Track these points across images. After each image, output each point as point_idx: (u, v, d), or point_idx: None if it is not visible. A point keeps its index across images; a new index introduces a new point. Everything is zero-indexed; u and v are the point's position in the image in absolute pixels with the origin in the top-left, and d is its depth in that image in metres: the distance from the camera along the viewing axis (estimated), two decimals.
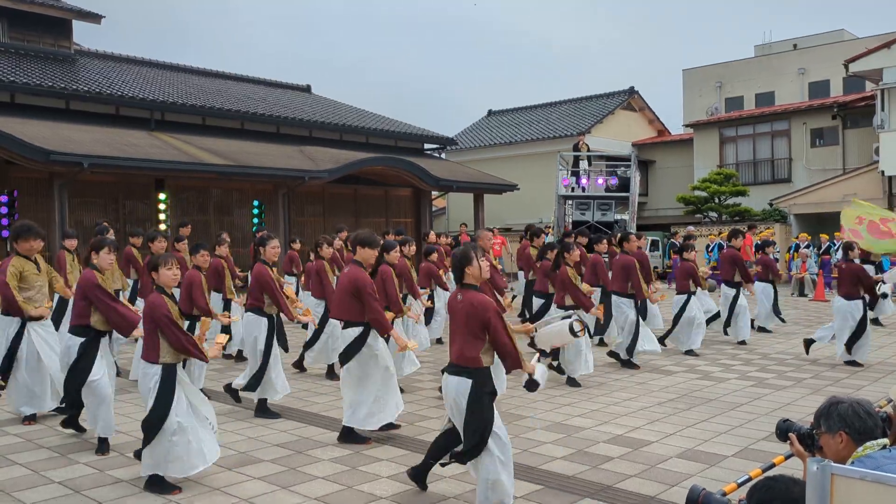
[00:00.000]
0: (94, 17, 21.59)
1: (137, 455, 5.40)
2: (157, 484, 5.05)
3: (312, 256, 9.98)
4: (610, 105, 32.39)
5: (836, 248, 19.58)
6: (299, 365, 9.41)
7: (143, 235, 10.69)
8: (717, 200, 26.43)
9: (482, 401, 4.52)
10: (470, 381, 4.51)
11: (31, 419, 6.84)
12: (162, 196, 17.77)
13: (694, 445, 6.11)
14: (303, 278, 11.47)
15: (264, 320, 7.17)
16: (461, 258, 4.70)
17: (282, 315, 7.41)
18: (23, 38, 20.59)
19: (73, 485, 5.21)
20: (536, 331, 5.11)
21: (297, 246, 13.22)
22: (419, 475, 5.03)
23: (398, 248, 7.78)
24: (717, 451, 5.96)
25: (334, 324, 7.96)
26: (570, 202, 19.36)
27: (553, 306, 9.26)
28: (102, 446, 5.93)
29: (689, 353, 10.58)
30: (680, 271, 10.90)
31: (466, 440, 4.55)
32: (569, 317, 5.46)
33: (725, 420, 6.93)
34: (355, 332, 6.15)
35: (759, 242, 13.63)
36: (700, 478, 5.28)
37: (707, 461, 5.69)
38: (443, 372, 4.88)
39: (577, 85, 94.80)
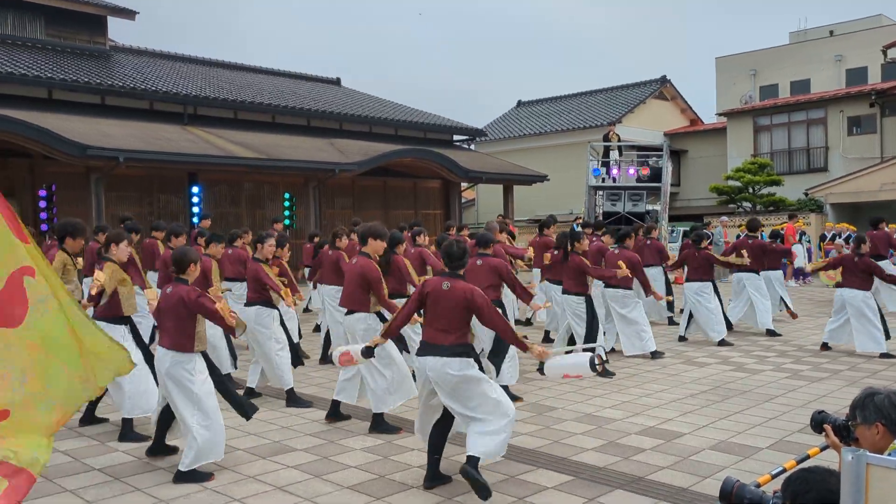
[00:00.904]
0: (129, 14, 21.91)
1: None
2: (189, 476, 5.09)
3: (327, 247, 10.06)
4: (641, 94, 32.07)
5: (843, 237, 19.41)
6: (326, 359, 9.52)
7: (165, 229, 10.95)
8: (751, 190, 26.07)
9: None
10: (471, 359, 4.94)
11: None
12: (195, 189, 18.00)
13: (727, 437, 6.06)
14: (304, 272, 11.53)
15: (275, 312, 7.48)
16: (465, 250, 5.13)
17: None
18: (59, 35, 20.97)
19: (112, 472, 5.33)
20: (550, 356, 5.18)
21: (318, 240, 13.37)
22: (434, 475, 5.02)
23: (405, 239, 8.25)
24: (751, 443, 5.90)
25: None
26: (600, 193, 19.22)
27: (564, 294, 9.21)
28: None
29: (723, 342, 10.63)
30: (700, 260, 10.88)
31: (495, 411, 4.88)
32: (592, 350, 5.32)
33: (759, 412, 6.86)
34: (365, 320, 6.36)
35: (771, 232, 13.55)
36: (734, 469, 5.24)
37: (741, 453, 5.64)
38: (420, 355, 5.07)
39: (607, 74, 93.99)
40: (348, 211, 22.34)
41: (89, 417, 6.57)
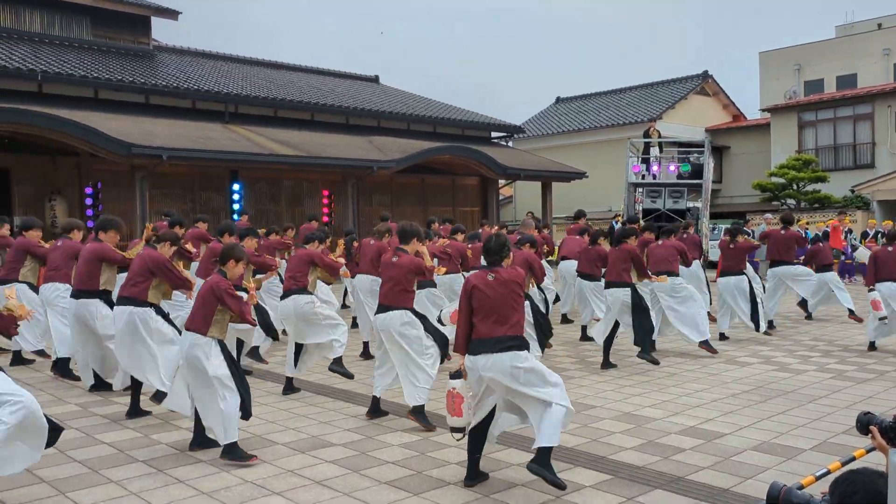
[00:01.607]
0: (172, 14, 22.27)
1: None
2: (232, 451, 5.38)
3: (372, 240, 10.11)
4: (682, 90, 31.65)
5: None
6: (367, 354, 9.59)
7: (206, 222, 11.36)
8: (795, 187, 25.58)
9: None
10: (524, 352, 4.82)
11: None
12: (236, 186, 18.25)
13: (770, 438, 5.95)
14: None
15: (312, 297, 7.76)
16: (503, 244, 5.10)
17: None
18: (105, 36, 21.41)
19: (156, 464, 5.44)
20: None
21: (350, 237, 13.47)
22: (474, 473, 5.00)
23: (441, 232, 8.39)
24: (794, 444, 5.79)
25: None
26: (640, 190, 19.00)
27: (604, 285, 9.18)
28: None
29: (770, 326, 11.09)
30: (735, 252, 10.79)
31: (554, 395, 4.73)
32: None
33: (803, 413, 6.73)
34: (402, 317, 6.43)
35: (818, 233, 13.34)
36: (776, 471, 5.15)
37: (784, 454, 5.54)
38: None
39: (648, 70, 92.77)
40: (386, 208, 22.43)
41: (134, 410, 6.71)
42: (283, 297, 7.73)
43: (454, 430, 5.03)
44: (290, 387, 7.65)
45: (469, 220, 24.79)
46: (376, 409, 6.71)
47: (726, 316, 10.89)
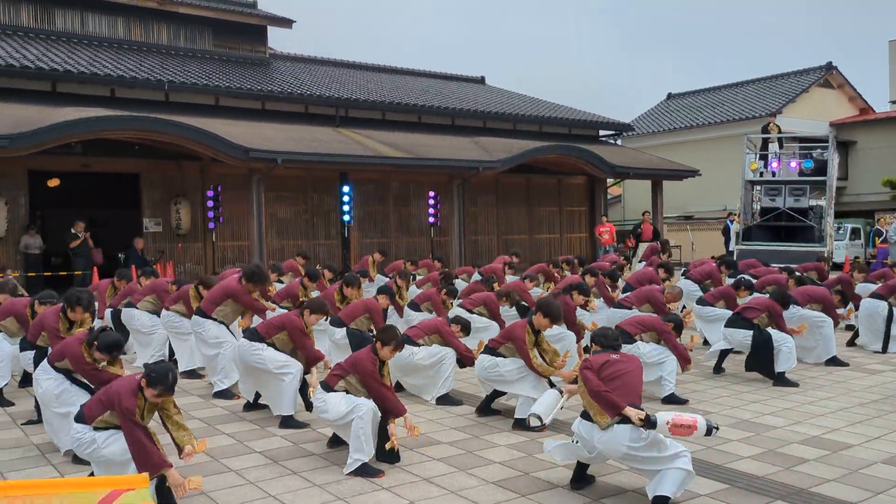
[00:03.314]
0: (286, 23, 23.07)
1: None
2: (360, 470, 5.19)
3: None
4: (804, 83, 30.09)
5: None
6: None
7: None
8: None
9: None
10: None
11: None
12: (346, 188, 18.70)
13: None
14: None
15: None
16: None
17: None
18: (224, 46, 22.44)
19: (271, 455, 5.64)
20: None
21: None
22: (581, 476, 4.91)
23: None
24: None
25: None
26: (758, 188, 18.18)
27: None
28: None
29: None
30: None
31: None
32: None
33: None
34: None
35: None
36: None
37: None
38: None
39: (766, 62, 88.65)
40: (492, 208, 22.45)
41: (254, 403, 6.98)
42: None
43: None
44: (398, 386, 7.75)
45: (577, 220, 24.45)
46: (486, 408, 6.72)
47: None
